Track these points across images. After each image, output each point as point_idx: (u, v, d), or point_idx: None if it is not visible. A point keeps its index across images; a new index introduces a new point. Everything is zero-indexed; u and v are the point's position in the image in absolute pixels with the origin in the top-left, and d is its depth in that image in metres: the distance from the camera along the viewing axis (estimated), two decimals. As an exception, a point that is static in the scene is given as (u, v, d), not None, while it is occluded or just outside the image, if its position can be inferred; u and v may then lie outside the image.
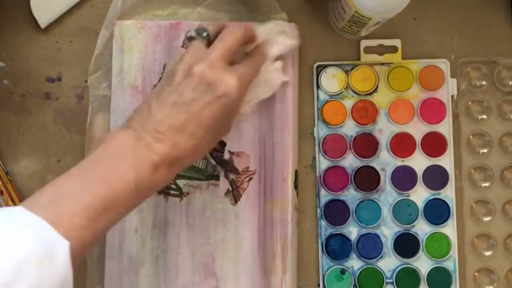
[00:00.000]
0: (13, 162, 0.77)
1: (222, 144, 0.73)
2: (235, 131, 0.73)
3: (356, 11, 0.67)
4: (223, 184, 0.73)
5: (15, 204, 0.73)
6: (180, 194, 0.73)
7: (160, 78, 0.74)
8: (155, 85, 0.74)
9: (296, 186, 0.74)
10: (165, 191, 0.73)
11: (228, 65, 0.61)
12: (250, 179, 0.73)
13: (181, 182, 0.73)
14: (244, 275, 0.72)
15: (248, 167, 0.73)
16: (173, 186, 0.73)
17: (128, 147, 0.57)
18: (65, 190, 0.53)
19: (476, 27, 0.78)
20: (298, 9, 0.78)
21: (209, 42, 0.63)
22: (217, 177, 0.73)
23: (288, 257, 0.72)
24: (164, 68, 0.74)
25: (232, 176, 0.73)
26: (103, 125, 0.75)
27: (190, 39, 0.64)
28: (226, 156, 0.73)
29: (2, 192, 0.73)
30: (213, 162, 0.73)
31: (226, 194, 0.73)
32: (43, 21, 0.77)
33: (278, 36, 0.69)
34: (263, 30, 0.67)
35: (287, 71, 0.72)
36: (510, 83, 0.77)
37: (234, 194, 0.73)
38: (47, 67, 0.77)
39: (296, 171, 0.74)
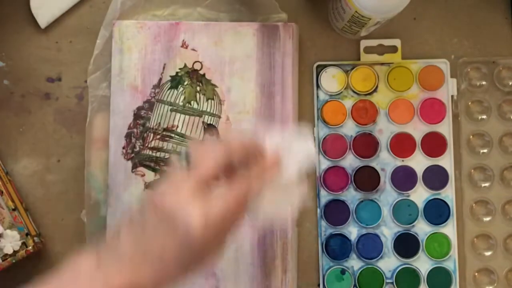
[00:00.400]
0: (13, 162, 0.78)
1: None
2: (236, 131, 0.73)
3: (356, 11, 0.67)
4: None
5: (15, 204, 0.73)
6: None
7: (160, 78, 0.74)
8: (154, 85, 0.74)
9: None
10: None
11: (202, 195, 0.52)
12: None
13: None
14: (244, 275, 0.72)
15: None
16: None
17: (86, 276, 0.53)
18: None
19: (476, 27, 0.78)
20: (298, 9, 0.78)
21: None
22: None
23: (288, 257, 0.72)
24: (163, 68, 0.74)
25: None
26: (102, 125, 0.75)
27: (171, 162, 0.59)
28: None
29: (2, 192, 0.73)
30: None
31: None
32: (43, 21, 0.77)
33: (294, 146, 0.57)
34: (277, 141, 0.57)
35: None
36: (510, 83, 0.77)
37: None
38: (47, 67, 0.78)
39: None
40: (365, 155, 0.76)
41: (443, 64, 0.77)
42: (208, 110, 0.74)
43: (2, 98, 0.78)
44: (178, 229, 0.52)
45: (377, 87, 0.77)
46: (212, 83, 0.74)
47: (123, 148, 0.74)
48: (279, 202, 0.58)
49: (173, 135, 0.74)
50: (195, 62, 0.74)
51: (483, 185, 0.76)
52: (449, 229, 0.75)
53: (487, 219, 0.76)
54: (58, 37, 0.78)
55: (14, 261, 0.72)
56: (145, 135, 0.74)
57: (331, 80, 0.77)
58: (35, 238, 0.74)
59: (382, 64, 0.77)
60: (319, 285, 0.75)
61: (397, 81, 0.77)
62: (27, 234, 0.72)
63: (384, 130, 0.76)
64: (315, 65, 0.77)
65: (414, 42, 0.78)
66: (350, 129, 0.77)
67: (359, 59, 0.77)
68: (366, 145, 0.76)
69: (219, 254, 0.55)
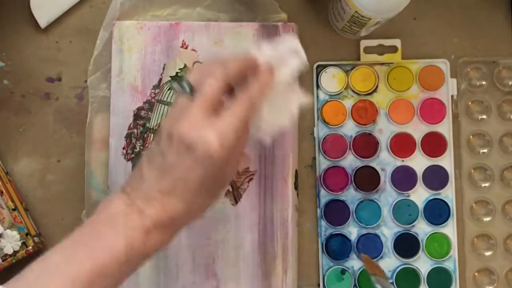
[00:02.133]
0: (13, 162, 0.78)
1: None
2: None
3: (356, 11, 0.67)
4: None
5: (15, 204, 0.74)
6: None
7: (160, 79, 0.74)
8: (154, 86, 0.74)
9: (296, 187, 0.74)
10: None
11: (211, 118, 0.56)
12: (251, 179, 0.73)
13: None
14: (244, 276, 0.72)
15: (248, 168, 0.73)
16: None
17: (120, 214, 0.56)
18: (52, 264, 0.53)
19: (476, 27, 0.79)
20: (298, 9, 0.78)
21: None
22: None
23: (289, 257, 0.72)
24: (163, 68, 0.74)
25: None
26: (102, 125, 0.76)
27: (174, 90, 0.61)
28: None
29: (2, 192, 0.73)
30: None
31: (226, 194, 0.73)
32: (43, 21, 0.78)
33: (287, 56, 0.61)
34: (268, 54, 0.60)
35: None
36: (510, 83, 0.77)
37: (235, 194, 0.73)
38: (47, 67, 0.78)
39: (296, 172, 0.74)
40: (365, 155, 0.76)
41: (443, 64, 0.77)
42: None
43: (2, 98, 0.78)
44: (198, 153, 0.54)
45: (377, 87, 0.77)
46: None
47: (123, 148, 0.74)
48: (280, 110, 0.62)
49: None
50: (195, 62, 0.75)
51: (483, 185, 0.77)
52: (449, 229, 0.76)
53: (487, 219, 0.76)
54: (58, 37, 0.79)
55: (14, 261, 0.73)
56: (145, 135, 0.74)
57: (331, 80, 0.77)
58: (35, 238, 0.74)
59: (382, 64, 0.77)
60: (319, 285, 0.76)
61: (397, 81, 0.77)
62: (27, 234, 0.73)
63: (384, 130, 0.77)
64: (315, 65, 0.77)
65: (414, 42, 0.78)
66: (350, 129, 0.77)
67: (359, 59, 0.78)
68: (366, 145, 0.77)
69: (234, 174, 0.59)
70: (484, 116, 0.77)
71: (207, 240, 0.73)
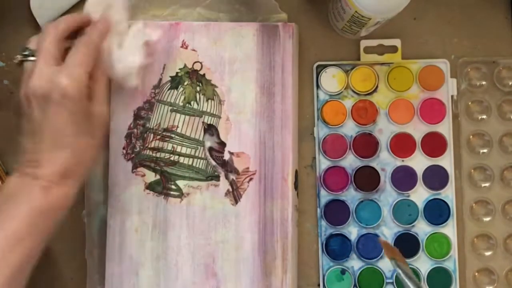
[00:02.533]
0: (13, 162, 0.78)
1: (222, 144, 0.74)
2: (235, 131, 0.74)
3: (356, 11, 0.68)
4: (223, 184, 0.74)
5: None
6: (180, 194, 0.74)
7: (160, 79, 0.75)
8: (154, 86, 0.75)
9: (296, 186, 0.75)
10: (165, 192, 0.74)
11: (57, 65, 0.61)
12: (251, 179, 0.74)
13: (181, 183, 0.74)
14: (244, 275, 0.73)
15: (248, 168, 0.74)
16: (173, 186, 0.74)
17: (17, 187, 0.61)
18: None
19: (476, 27, 0.79)
20: (298, 9, 0.79)
21: None
22: (217, 178, 0.74)
23: (289, 257, 0.72)
24: (163, 68, 0.75)
25: (232, 176, 0.74)
26: None
27: (21, 63, 0.65)
28: (226, 156, 0.74)
29: (2, 192, 0.74)
30: (213, 163, 0.74)
31: (226, 194, 0.74)
32: (43, 21, 0.77)
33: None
34: (92, 7, 0.67)
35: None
36: (510, 83, 0.78)
37: (235, 194, 0.74)
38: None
39: (296, 171, 0.74)
40: (365, 155, 0.77)
41: (443, 64, 0.77)
42: (208, 110, 0.74)
43: (2, 98, 0.79)
44: (55, 97, 0.60)
45: (377, 87, 0.77)
46: (212, 83, 0.74)
47: (123, 148, 0.74)
48: (130, 49, 0.68)
49: (173, 135, 0.74)
50: (195, 62, 0.75)
51: (483, 185, 0.77)
52: (449, 229, 0.76)
53: (487, 219, 0.76)
54: (58, 37, 0.78)
55: None
56: (145, 135, 0.74)
57: (331, 80, 0.77)
58: None
59: (382, 64, 0.77)
60: (319, 285, 0.76)
61: (397, 81, 0.77)
62: None
63: (384, 130, 0.77)
64: (315, 65, 0.78)
65: (414, 42, 0.78)
66: (350, 129, 0.77)
67: (359, 59, 0.78)
68: (366, 145, 0.77)
69: (105, 111, 0.64)
70: (484, 116, 0.77)
71: (207, 240, 0.73)
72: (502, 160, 0.77)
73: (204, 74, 0.75)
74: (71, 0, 0.78)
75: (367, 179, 0.76)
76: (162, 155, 0.74)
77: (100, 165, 0.75)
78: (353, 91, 0.77)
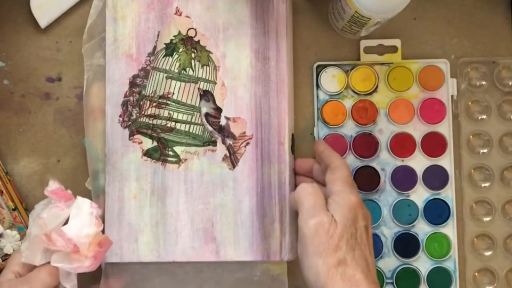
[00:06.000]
0: (13, 162, 0.80)
1: (219, 110, 0.76)
2: (230, 97, 0.76)
3: (356, 11, 0.69)
4: (221, 149, 0.75)
5: (15, 204, 0.75)
6: (178, 160, 0.76)
7: (155, 46, 0.76)
8: (148, 53, 0.76)
9: (293, 150, 0.77)
10: (162, 158, 0.76)
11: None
12: (247, 144, 0.75)
13: (178, 149, 0.76)
14: (243, 239, 0.74)
15: (245, 132, 0.75)
16: (170, 153, 0.76)
17: None
18: None
19: (476, 27, 0.81)
20: (298, 9, 0.80)
21: None
22: (214, 143, 0.76)
23: (287, 219, 0.74)
24: (158, 36, 0.76)
25: (229, 141, 0.76)
26: (98, 94, 0.77)
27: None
28: (223, 122, 0.76)
29: (2, 192, 0.75)
30: (210, 128, 0.76)
31: (223, 159, 0.75)
32: (43, 21, 0.79)
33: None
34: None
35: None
36: (510, 83, 0.80)
37: (232, 159, 0.76)
38: (47, 67, 0.80)
39: (292, 135, 0.77)
40: (365, 155, 0.79)
41: (443, 64, 0.79)
42: (204, 76, 0.76)
43: (2, 98, 0.80)
44: None
45: (377, 87, 0.79)
46: (207, 49, 0.76)
47: (120, 116, 0.76)
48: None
49: (169, 102, 0.76)
50: (189, 29, 0.77)
51: (483, 185, 0.79)
52: (449, 229, 0.78)
53: (487, 219, 0.78)
54: (58, 37, 0.81)
55: None
56: (141, 103, 0.76)
57: (331, 80, 0.79)
58: None
59: (382, 64, 0.79)
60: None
61: (397, 81, 0.79)
62: None
63: (384, 130, 0.79)
64: (315, 65, 0.80)
65: (414, 42, 0.80)
66: (350, 129, 0.79)
67: (359, 59, 0.80)
68: (366, 145, 0.79)
69: None
70: (484, 116, 0.79)
71: (205, 204, 0.75)
72: (502, 160, 0.79)
73: (198, 41, 0.76)
74: (71, 0, 0.79)
75: (367, 179, 0.78)
76: (159, 122, 0.76)
77: (98, 135, 0.77)
78: (353, 91, 0.79)
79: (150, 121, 0.76)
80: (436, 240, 0.77)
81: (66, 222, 0.68)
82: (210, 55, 0.76)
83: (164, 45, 0.76)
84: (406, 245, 0.77)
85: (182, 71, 0.76)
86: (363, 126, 0.79)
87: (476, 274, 0.78)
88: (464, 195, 0.78)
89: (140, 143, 0.76)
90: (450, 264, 0.77)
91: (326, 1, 0.80)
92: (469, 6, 0.81)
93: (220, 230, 0.74)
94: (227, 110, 0.76)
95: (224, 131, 0.75)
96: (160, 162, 0.75)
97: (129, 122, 0.76)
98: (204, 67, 0.76)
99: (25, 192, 0.80)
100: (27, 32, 0.80)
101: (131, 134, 0.76)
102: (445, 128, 0.78)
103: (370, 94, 0.79)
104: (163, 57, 0.76)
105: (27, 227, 0.74)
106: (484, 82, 0.79)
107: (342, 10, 0.73)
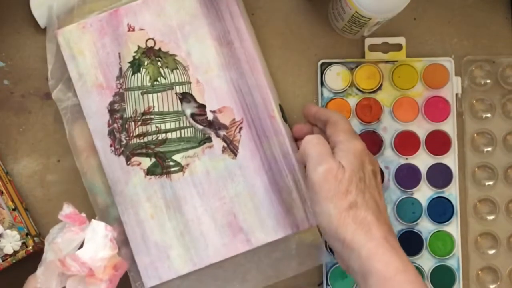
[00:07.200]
0: (13, 162, 0.80)
1: (202, 107, 0.77)
2: (209, 90, 0.77)
3: (356, 11, 0.70)
4: (217, 143, 0.77)
5: (15, 204, 0.75)
6: (181, 168, 0.77)
7: (120, 68, 0.76)
8: (117, 77, 0.76)
9: (285, 120, 0.78)
10: (165, 171, 0.76)
11: None
12: (240, 128, 0.77)
13: (177, 157, 0.77)
14: (268, 219, 0.76)
15: (234, 119, 0.77)
16: (171, 163, 0.76)
17: None
18: None
19: (476, 27, 0.82)
20: (298, 9, 0.81)
21: None
22: (209, 139, 0.77)
23: (302, 186, 0.76)
24: (119, 57, 0.76)
25: (222, 132, 0.77)
26: (82, 132, 0.78)
27: None
28: (210, 116, 0.77)
29: (2, 192, 0.75)
30: (199, 127, 0.76)
31: (223, 151, 0.76)
32: (43, 21, 0.79)
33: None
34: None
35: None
36: (515, 82, 0.81)
37: (231, 148, 0.77)
38: (47, 67, 0.79)
39: (280, 105, 0.78)
40: (369, 153, 0.80)
41: (448, 62, 0.80)
42: (177, 80, 0.77)
43: (2, 98, 0.80)
44: None
45: (381, 85, 0.80)
46: (170, 53, 0.77)
47: (111, 146, 0.77)
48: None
49: (153, 116, 0.77)
50: (147, 40, 0.77)
51: (487, 183, 0.80)
52: (453, 227, 0.79)
53: (491, 217, 0.80)
54: (58, 36, 0.80)
55: (14, 261, 0.75)
56: (126, 126, 0.77)
57: (335, 77, 0.80)
58: (35, 238, 0.76)
59: (387, 62, 0.80)
60: (319, 284, 0.80)
61: (402, 79, 0.80)
62: (27, 234, 0.75)
63: (388, 128, 0.80)
64: (319, 63, 0.80)
65: (415, 41, 0.81)
66: (354, 126, 0.79)
67: (363, 57, 0.81)
68: (370, 143, 0.80)
69: None
70: (488, 115, 0.81)
71: (221, 200, 0.76)
72: (506, 158, 0.80)
73: (159, 48, 0.77)
74: (71, 0, 0.78)
75: None
76: (150, 138, 0.77)
77: (96, 171, 0.77)
78: (357, 89, 0.80)
79: (141, 140, 0.77)
80: (439, 239, 0.79)
81: (82, 245, 0.69)
82: (176, 58, 0.77)
83: (129, 64, 0.77)
84: (410, 243, 0.79)
85: (155, 83, 0.77)
86: (367, 124, 0.80)
87: (480, 272, 0.79)
88: (468, 193, 0.80)
89: (139, 164, 0.77)
90: (454, 262, 0.79)
91: (326, 1, 0.80)
92: (469, 6, 0.82)
93: (244, 219, 0.76)
94: (210, 104, 0.77)
95: (214, 125, 0.76)
96: (164, 176, 0.76)
97: (122, 148, 0.77)
98: (174, 71, 0.77)
99: (25, 192, 0.80)
100: (27, 32, 0.80)
101: (128, 159, 0.77)
102: (449, 126, 0.80)
103: (374, 92, 0.80)
104: (132, 75, 0.77)
105: (27, 227, 0.75)
106: (488, 81, 0.80)
107: (342, 10, 0.74)
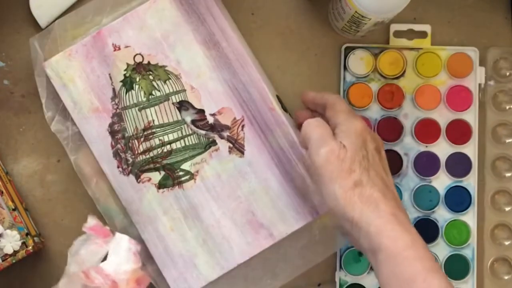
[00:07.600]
0: (13, 162, 0.80)
1: (201, 112, 0.77)
2: (204, 94, 0.77)
3: (356, 11, 0.69)
4: (223, 144, 0.77)
5: (15, 204, 0.75)
6: (191, 176, 0.77)
7: (113, 88, 0.76)
8: (111, 98, 0.76)
9: (285, 109, 0.78)
10: (177, 182, 0.76)
11: None
12: (243, 126, 0.77)
13: (186, 166, 0.77)
14: (287, 210, 0.77)
15: (235, 118, 0.77)
16: (181, 173, 0.76)
17: None
18: None
19: (476, 27, 0.81)
20: (298, 9, 0.80)
21: None
22: (214, 143, 0.77)
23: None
24: (110, 78, 0.76)
25: (226, 133, 0.77)
26: (87, 159, 0.78)
27: None
28: (210, 119, 0.77)
29: (2, 192, 0.75)
30: (202, 132, 0.77)
31: (230, 152, 0.77)
32: (43, 21, 0.79)
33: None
34: None
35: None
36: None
37: (237, 147, 0.77)
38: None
39: (277, 96, 0.78)
40: (389, 138, 0.80)
41: (472, 52, 0.80)
42: (171, 90, 0.77)
43: (2, 98, 0.80)
44: None
45: (404, 71, 0.79)
46: (160, 65, 0.77)
47: (118, 167, 0.77)
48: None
49: (154, 130, 0.77)
50: (135, 56, 0.77)
51: (506, 175, 0.81)
52: (470, 217, 0.81)
53: (508, 208, 0.81)
54: (58, 36, 0.78)
55: (14, 261, 0.75)
56: (130, 145, 0.77)
57: (359, 62, 0.79)
58: (35, 238, 0.76)
59: (411, 49, 0.79)
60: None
61: (425, 66, 0.79)
62: (27, 234, 0.75)
63: (409, 115, 0.80)
64: (343, 47, 0.79)
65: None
66: (375, 112, 0.80)
67: (388, 43, 0.79)
68: (391, 129, 0.80)
69: None
70: (511, 106, 0.80)
71: (237, 200, 0.76)
72: (526, 150, 0.81)
73: (148, 62, 0.77)
74: (71, 0, 0.79)
75: (390, 163, 0.76)
76: (155, 152, 0.77)
77: (108, 195, 0.77)
78: (380, 74, 0.79)
79: (147, 156, 0.77)
80: (455, 227, 0.80)
81: (105, 258, 0.69)
82: (166, 68, 0.77)
83: (121, 83, 0.77)
84: (425, 230, 0.80)
85: (150, 97, 0.77)
86: (388, 110, 0.79)
87: (494, 263, 0.82)
88: (486, 184, 0.81)
89: (149, 180, 0.77)
90: (469, 252, 0.81)
91: (326, 1, 0.79)
92: (469, 6, 0.81)
93: (263, 215, 0.76)
94: (208, 107, 0.77)
95: (216, 127, 0.77)
96: (177, 186, 0.77)
97: (129, 168, 0.77)
98: (167, 82, 0.77)
99: (25, 192, 0.80)
100: (27, 32, 0.79)
101: (137, 177, 0.77)
102: (471, 116, 0.80)
103: (397, 78, 0.79)
104: (126, 94, 0.77)
105: (27, 227, 0.75)
106: (512, 72, 0.80)
107: (342, 10, 0.72)
